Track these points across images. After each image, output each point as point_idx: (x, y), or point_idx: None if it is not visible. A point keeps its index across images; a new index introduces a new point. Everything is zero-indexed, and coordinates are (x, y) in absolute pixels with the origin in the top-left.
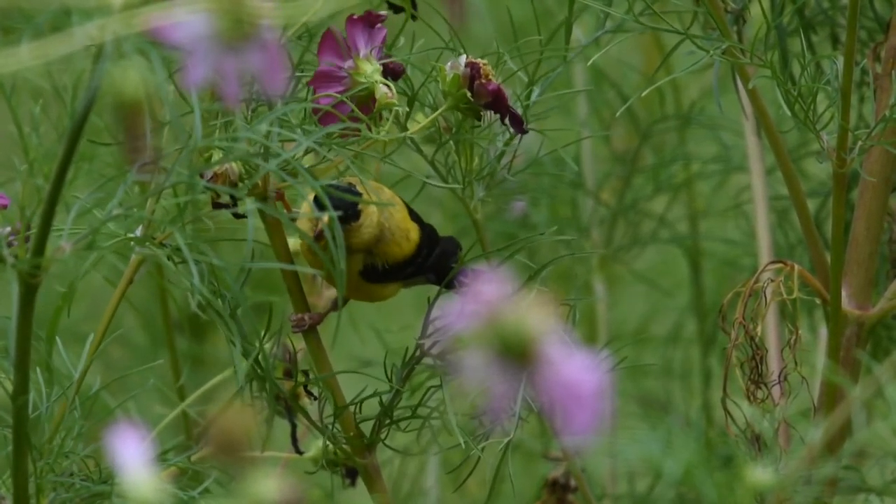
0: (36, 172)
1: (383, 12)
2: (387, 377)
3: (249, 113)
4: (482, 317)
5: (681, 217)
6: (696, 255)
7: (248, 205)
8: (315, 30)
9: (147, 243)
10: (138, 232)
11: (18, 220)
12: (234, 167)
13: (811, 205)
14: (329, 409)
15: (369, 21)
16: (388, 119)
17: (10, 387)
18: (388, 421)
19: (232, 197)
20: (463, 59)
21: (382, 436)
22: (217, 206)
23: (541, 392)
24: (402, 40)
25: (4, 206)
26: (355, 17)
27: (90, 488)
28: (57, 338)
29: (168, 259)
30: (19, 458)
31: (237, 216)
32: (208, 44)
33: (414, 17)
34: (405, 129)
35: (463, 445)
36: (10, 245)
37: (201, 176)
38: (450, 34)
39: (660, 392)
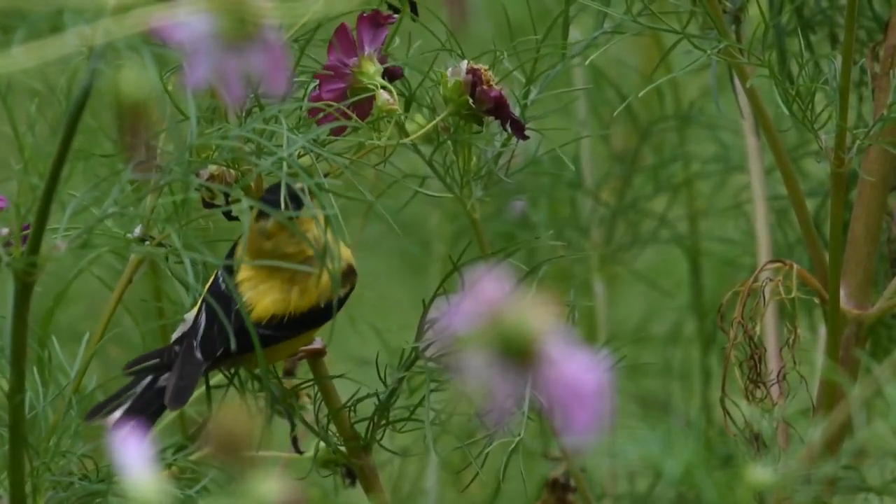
0: (31, 171)
1: (394, 15)
2: (380, 378)
3: (243, 113)
4: (482, 316)
5: (680, 217)
6: (695, 254)
7: (243, 203)
8: (315, 30)
9: (145, 243)
10: (136, 232)
11: (13, 219)
12: (229, 170)
13: (810, 204)
14: (324, 410)
15: (376, 21)
16: (388, 123)
17: (5, 385)
18: (384, 422)
19: (226, 197)
20: (464, 64)
21: (378, 437)
22: (207, 205)
23: (541, 391)
24: (397, 40)
25: (1, 209)
26: (365, 14)
27: (87, 487)
28: (53, 337)
29: (166, 258)
30: (16, 456)
31: (229, 217)
32: (210, 44)
33: (414, 19)
34: (403, 130)
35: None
36: (7, 244)
37: (198, 176)
38: (447, 34)
39: (659, 392)
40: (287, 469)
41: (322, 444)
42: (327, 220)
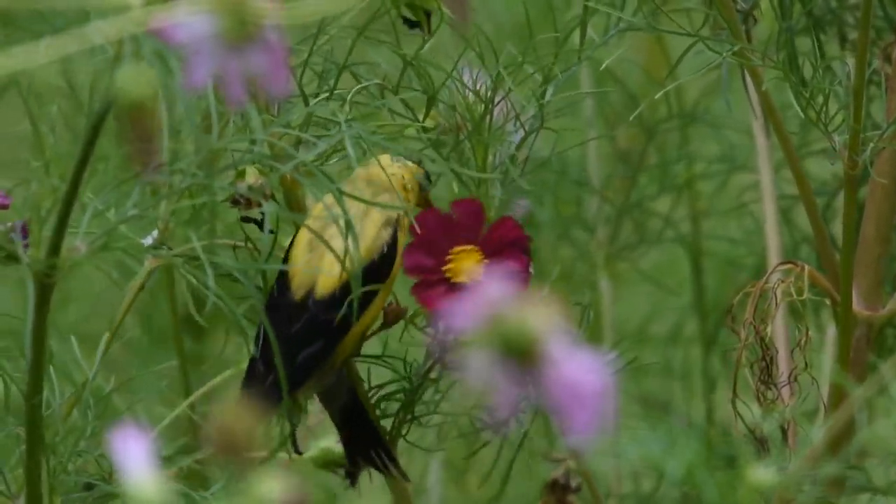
0: (52, 172)
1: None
2: (405, 374)
3: (276, 111)
4: (485, 316)
5: (685, 216)
6: (697, 254)
7: (266, 207)
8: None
9: (162, 250)
10: (152, 237)
11: (21, 217)
12: (267, 181)
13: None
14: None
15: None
16: None
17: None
18: (409, 416)
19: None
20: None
21: (404, 431)
22: (245, 219)
23: (544, 392)
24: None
25: (5, 207)
26: None
27: (103, 488)
28: (72, 337)
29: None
30: (33, 457)
31: (262, 227)
32: (211, 44)
33: (430, 34)
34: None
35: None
36: (24, 235)
37: (236, 196)
38: (456, 34)
39: (661, 392)
40: (287, 469)
41: (321, 444)
42: (348, 224)
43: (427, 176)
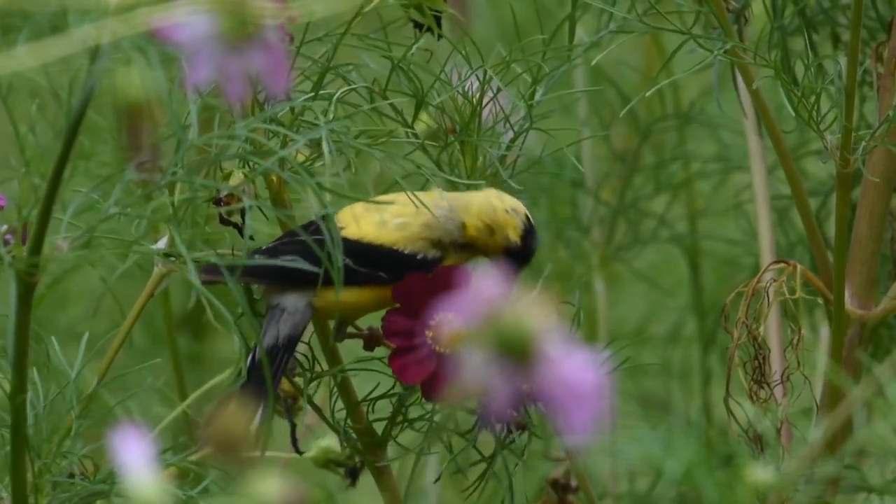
0: (33, 171)
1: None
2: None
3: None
4: (482, 315)
5: (681, 216)
6: (695, 254)
7: (246, 202)
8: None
9: (171, 258)
10: (162, 243)
11: (15, 219)
12: (253, 186)
13: (811, 204)
14: (337, 408)
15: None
16: None
17: (6, 385)
18: (400, 419)
19: (242, 218)
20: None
21: (395, 434)
22: (225, 222)
23: (541, 391)
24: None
25: (0, 207)
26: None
27: (89, 487)
28: (53, 338)
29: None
30: (17, 457)
31: (240, 230)
32: (212, 44)
33: (440, 37)
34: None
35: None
36: (6, 243)
37: (218, 192)
38: (453, 36)
39: (660, 391)
40: (287, 469)
41: (320, 444)
42: (326, 218)
43: (529, 223)
